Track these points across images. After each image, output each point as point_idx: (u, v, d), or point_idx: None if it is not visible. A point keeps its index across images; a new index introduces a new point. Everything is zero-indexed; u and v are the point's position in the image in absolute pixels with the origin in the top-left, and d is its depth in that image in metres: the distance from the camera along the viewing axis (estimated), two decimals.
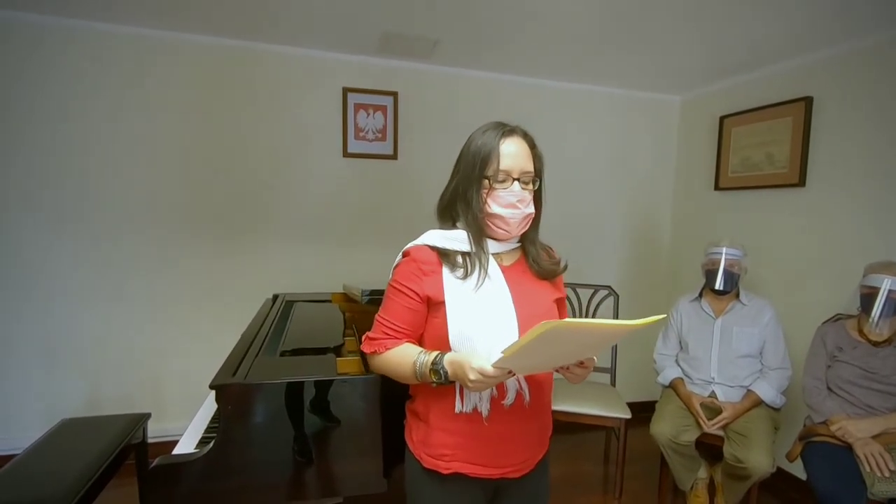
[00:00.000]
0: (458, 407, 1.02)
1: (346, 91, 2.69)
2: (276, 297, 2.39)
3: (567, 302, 2.81)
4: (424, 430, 1.08)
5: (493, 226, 1.06)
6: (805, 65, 2.48)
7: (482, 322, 1.00)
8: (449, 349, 1.00)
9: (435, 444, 1.06)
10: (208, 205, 2.55)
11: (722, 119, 2.94)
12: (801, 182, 2.48)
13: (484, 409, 1.02)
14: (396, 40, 2.45)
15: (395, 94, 2.76)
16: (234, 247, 2.61)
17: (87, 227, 2.39)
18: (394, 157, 2.80)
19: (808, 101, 2.44)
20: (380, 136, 2.77)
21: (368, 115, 2.75)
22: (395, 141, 2.80)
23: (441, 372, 0.96)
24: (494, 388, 1.02)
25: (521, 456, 1.08)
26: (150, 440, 2.05)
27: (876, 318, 1.84)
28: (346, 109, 2.70)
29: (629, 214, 3.35)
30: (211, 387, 1.20)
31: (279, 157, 2.64)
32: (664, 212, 3.43)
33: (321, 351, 1.47)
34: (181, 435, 1.48)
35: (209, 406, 1.62)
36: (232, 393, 1.19)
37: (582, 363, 0.97)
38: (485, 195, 1.04)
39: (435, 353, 0.99)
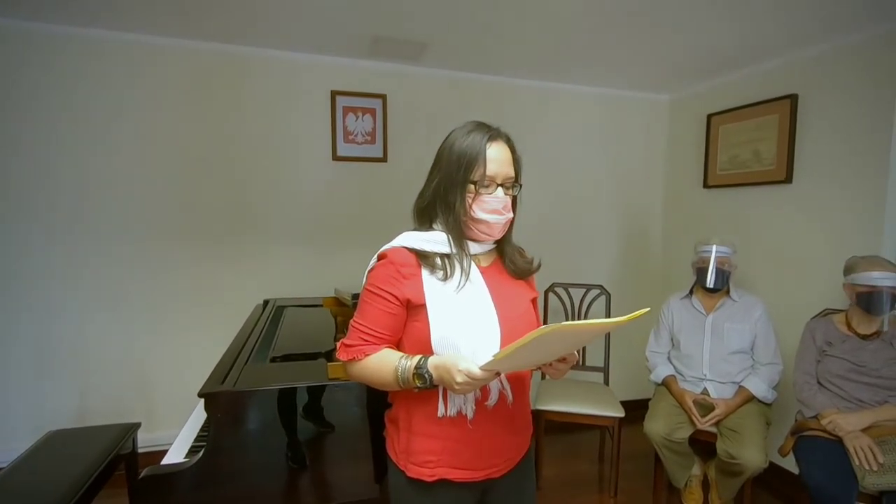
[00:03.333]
0: (441, 411, 1.00)
1: (334, 94, 2.68)
2: (266, 302, 2.38)
3: (559, 301, 2.83)
4: (406, 437, 1.06)
5: (476, 230, 1.05)
6: (790, 63, 2.51)
7: (465, 325, 0.99)
8: (430, 353, 0.99)
9: (418, 452, 1.04)
10: (197, 211, 2.53)
11: (710, 117, 2.96)
12: (788, 178, 2.50)
13: (469, 411, 1.01)
14: (385, 43, 2.44)
15: (383, 97, 2.76)
16: (224, 253, 2.59)
17: (72, 235, 2.36)
18: (383, 159, 2.80)
19: (793, 99, 2.46)
20: (369, 139, 2.77)
21: (357, 118, 2.74)
22: (384, 144, 2.79)
23: (426, 376, 0.94)
24: (478, 390, 1.01)
25: (505, 455, 1.08)
26: (141, 450, 2.05)
27: (886, 318, 1.88)
28: (335, 113, 2.69)
29: (619, 213, 3.36)
30: (200, 395, 1.19)
31: (269, 161, 2.62)
32: (654, 210, 3.44)
33: (312, 356, 1.46)
34: (172, 444, 1.46)
35: (199, 414, 1.60)
36: (221, 401, 1.18)
37: (563, 359, 0.98)
38: (470, 200, 1.03)
39: (418, 358, 0.97)
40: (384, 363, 1.01)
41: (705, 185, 3.03)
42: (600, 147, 3.26)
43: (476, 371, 0.88)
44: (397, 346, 1.07)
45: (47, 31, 2.24)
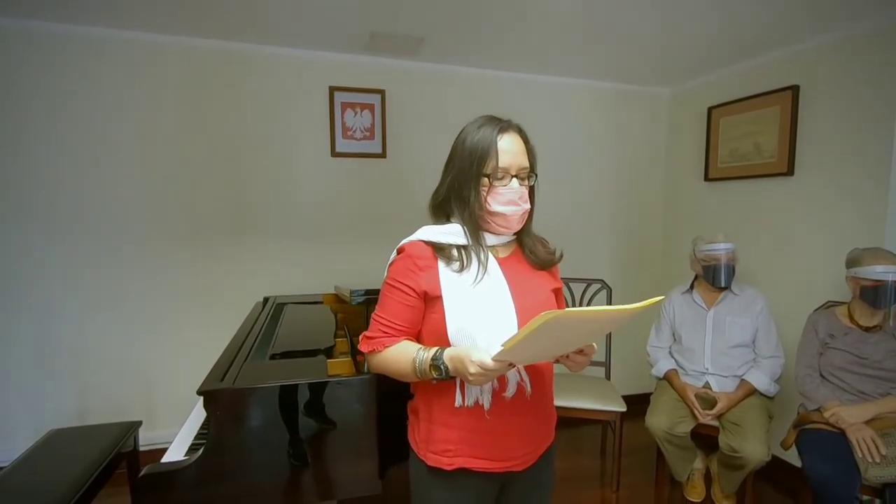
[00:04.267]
0: (458, 401, 1.02)
1: (332, 90, 2.66)
2: (266, 299, 2.37)
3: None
4: (426, 427, 1.07)
5: (493, 224, 1.05)
6: (791, 54, 2.49)
7: (481, 316, 0.99)
8: (448, 344, 1.00)
9: (437, 441, 1.05)
10: (196, 209, 2.52)
11: (710, 110, 2.95)
12: (790, 171, 2.49)
13: (486, 402, 1.02)
14: (383, 38, 2.43)
15: (382, 92, 2.74)
16: (223, 251, 2.58)
17: (72, 234, 2.35)
18: (382, 155, 2.78)
19: (794, 90, 2.45)
20: (368, 134, 2.75)
21: (356, 113, 2.72)
22: (383, 139, 2.77)
23: (441, 367, 0.95)
24: (496, 381, 1.01)
25: (525, 448, 1.08)
26: (142, 448, 2.05)
27: (892, 311, 1.87)
28: (333, 108, 2.67)
29: (620, 207, 3.35)
30: (198, 393, 1.18)
31: (267, 158, 2.61)
32: (655, 204, 3.43)
33: (311, 353, 1.45)
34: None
35: (199, 412, 1.59)
36: (219, 398, 1.18)
37: (581, 351, 0.97)
38: (484, 193, 1.03)
39: (434, 349, 0.98)
40: (403, 355, 1.02)
41: (706, 179, 3.01)
42: (601, 141, 3.25)
43: (489, 362, 0.88)
44: (417, 337, 1.08)
45: (47, 29, 2.23)
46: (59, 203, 2.33)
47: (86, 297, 2.39)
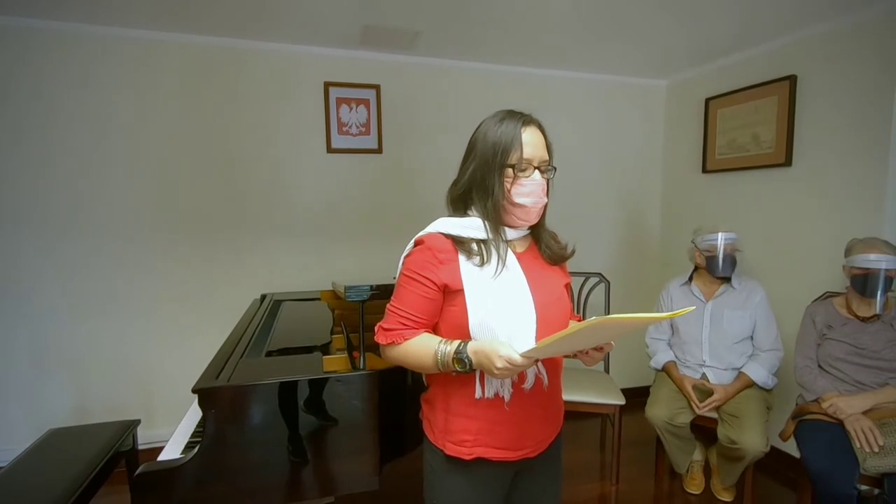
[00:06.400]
0: (478, 393, 1.03)
1: (327, 85, 2.65)
2: (264, 297, 2.37)
3: None
4: (444, 418, 1.08)
5: (513, 216, 1.06)
6: (789, 44, 2.47)
7: (501, 310, 1.00)
8: (467, 337, 1.00)
9: (457, 431, 1.06)
10: (191, 206, 2.52)
11: (707, 101, 2.93)
12: (788, 161, 2.48)
13: (506, 394, 1.03)
14: (377, 32, 2.41)
15: (377, 88, 2.73)
16: (219, 249, 2.57)
17: (69, 233, 2.35)
18: (378, 151, 2.77)
19: (792, 80, 2.43)
20: (363, 130, 2.74)
21: (351, 109, 2.71)
22: (379, 135, 2.76)
23: (465, 361, 0.96)
24: (516, 374, 1.02)
25: (539, 436, 1.11)
26: (141, 446, 2.05)
27: (879, 300, 1.85)
28: (329, 104, 2.66)
29: (618, 200, 3.34)
30: (193, 391, 1.18)
31: (263, 155, 2.60)
32: (653, 196, 3.42)
33: (308, 350, 1.45)
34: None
35: (197, 410, 1.59)
36: (214, 396, 1.17)
37: (600, 347, 0.99)
38: (508, 184, 1.04)
39: (457, 343, 0.99)
40: (423, 348, 1.02)
41: (704, 171, 3.00)
42: (598, 134, 3.23)
43: (517, 358, 0.89)
44: (434, 330, 1.09)
45: (46, 29, 2.22)
46: (56, 203, 2.32)
47: (83, 297, 2.39)
